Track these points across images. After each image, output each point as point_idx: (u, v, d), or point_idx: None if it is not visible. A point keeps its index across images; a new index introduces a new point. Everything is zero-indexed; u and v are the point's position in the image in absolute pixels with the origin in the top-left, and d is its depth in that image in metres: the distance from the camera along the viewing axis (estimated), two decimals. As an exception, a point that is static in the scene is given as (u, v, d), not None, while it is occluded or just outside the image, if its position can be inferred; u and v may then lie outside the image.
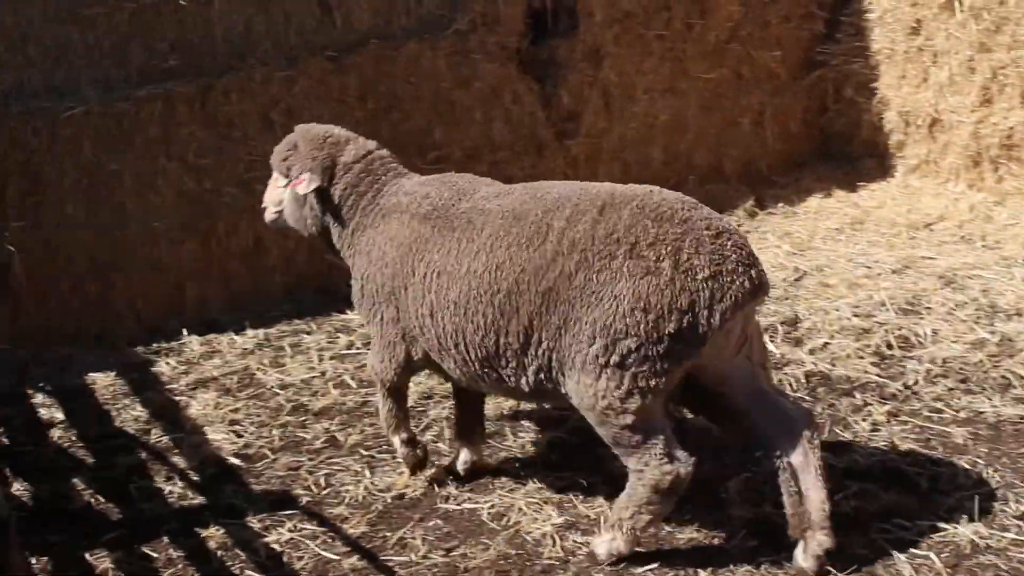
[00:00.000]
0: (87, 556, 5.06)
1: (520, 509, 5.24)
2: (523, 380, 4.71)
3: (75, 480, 5.77)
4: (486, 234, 4.69)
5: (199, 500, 5.52)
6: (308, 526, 5.21)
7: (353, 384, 6.66)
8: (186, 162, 7.56)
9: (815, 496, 4.54)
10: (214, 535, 5.15)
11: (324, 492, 5.52)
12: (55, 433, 6.34)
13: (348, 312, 7.67)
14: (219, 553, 5.03)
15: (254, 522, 5.26)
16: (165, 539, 5.16)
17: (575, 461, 5.62)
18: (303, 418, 6.31)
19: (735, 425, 4.81)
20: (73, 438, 6.26)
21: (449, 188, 5.04)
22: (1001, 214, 8.64)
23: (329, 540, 5.09)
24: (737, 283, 4.34)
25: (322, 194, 5.28)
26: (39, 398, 6.78)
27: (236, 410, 6.45)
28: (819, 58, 9.89)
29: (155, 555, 5.05)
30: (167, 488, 5.65)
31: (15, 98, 7.15)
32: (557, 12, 8.65)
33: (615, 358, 4.35)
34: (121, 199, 7.45)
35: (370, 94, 7.95)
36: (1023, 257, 7.80)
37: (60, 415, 6.53)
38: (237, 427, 6.26)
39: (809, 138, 10.17)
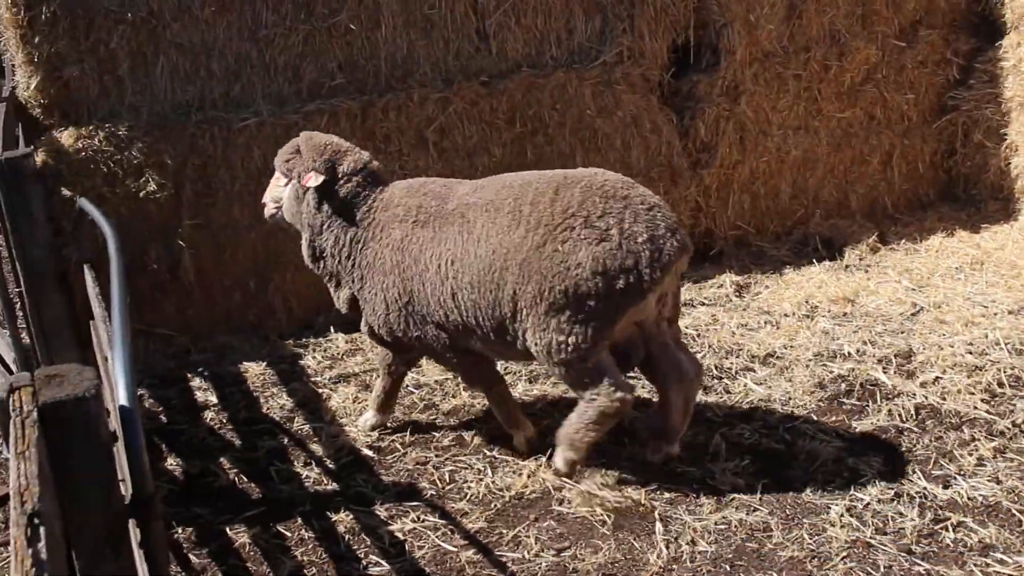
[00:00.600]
0: (227, 530, 5.12)
1: (631, 516, 5.15)
2: (519, 342, 5.19)
3: (222, 459, 5.86)
4: (479, 225, 5.14)
5: (332, 486, 5.55)
6: (430, 518, 5.20)
7: (483, 388, 6.62)
8: (345, 172, 7.59)
9: (677, 421, 5.48)
10: (343, 520, 5.18)
11: (447, 487, 5.51)
12: (208, 415, 6.47)
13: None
14: (346, 537, 5.05)
15: (381, 511, 5.27)
16: (299, 520, 5.21)
17: (681, 478, 5.50)
18: (434, 417, 6.30)
19: (645, 366, 5.48)
20: (224, 420, 6.37)
21: (432, 195, 5.43)
22: (1122, 257, 8.21)
23: (448, 533, 5.07)
24: (668, 244, 4.96)
25: (321, 195, 5.55)
26: (197, 382, 6.94)
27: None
28: (951, 103, 9.57)
29: (288, 534, 5.10)
30: (304, 473, 5.71)
31: (196, 109, 7.32)
32: (700, 48, 8.52)
33: (581, 315, 4.92)
34: (284, 203, 7.53)
35: (518, 118, 7.93)
36: None
37: (214, 399, 6.66)
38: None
39: (935, 179, 9.86)
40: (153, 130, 7.11)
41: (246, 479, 5.65)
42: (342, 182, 5.53)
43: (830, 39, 8.90)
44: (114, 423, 2.53)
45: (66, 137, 6.98)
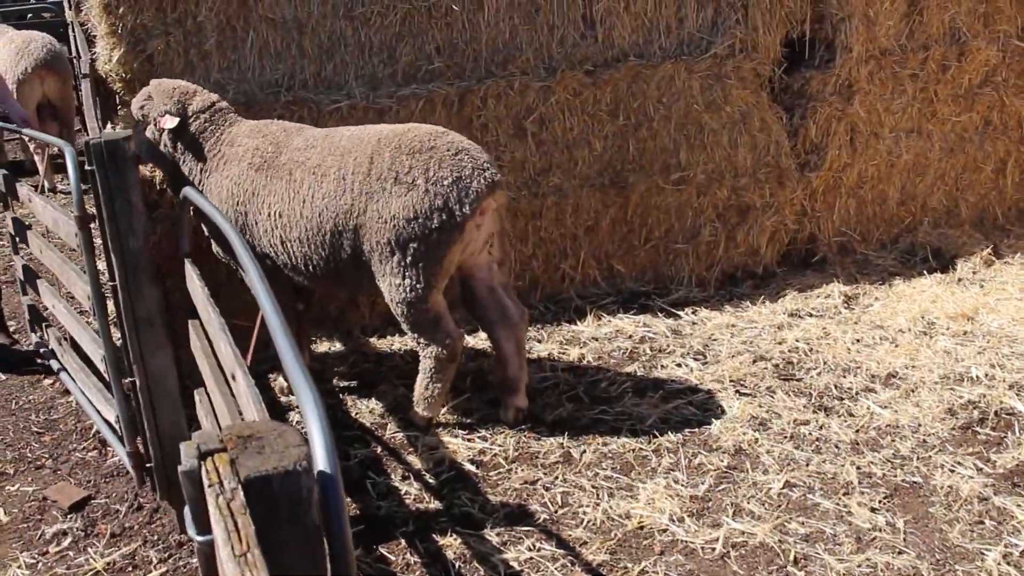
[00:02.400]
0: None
1: (763, 545, 4.70)
2: (360, 286, 5.76)
3: (315, 468, 5.43)
4: (305, 187, 5.58)
5: (435, 504, 5.12)
6: (546, 546, 4.76)
7: (586, 399, 6.19)
8: (438, 163, 7.19)
9: (513, 368, 5.90)
10: (451, 544, 4.75)
11: (561, 511, 5.07)
12: (293, 417, 6.04)
13: (578, 324, 7.25)
14: (457, 564, 4.62)
15: (492, 535, 4.84)
16: (402, 542, 4.78)
17: (814, 512, 5.04)
18: (537, 429, 5.87)
19: (475, 311, 5.91)
20: (311, 425, 5.94)
21: (270, 140, 5.82)
22: None
23: (569, 564, 4.63)
24: (475, 182, 5.40)
25: (176, 135, 5.98)
26: (276, 380, 6.52)
27: (470, 412, 6.05)
28: (1072, 108, 9.04)
29: (392, 557, 4.67)
30: (403, 488, 5.28)
31: (285, 88, 6.91)
32: (814, 43, 8.04)
33: (408, 258, 5.39)
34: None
35: (622, 110, 7.51)
36: None
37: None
38: (471, 430, 5.86)
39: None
40: (239, 109, 6.69)
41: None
42: (192, 120, 5.95)
43: (950, 38, 8.40)
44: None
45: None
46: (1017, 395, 6.13)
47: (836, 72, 7.98)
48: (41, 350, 7.13)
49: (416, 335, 5.68)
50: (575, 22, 7.34)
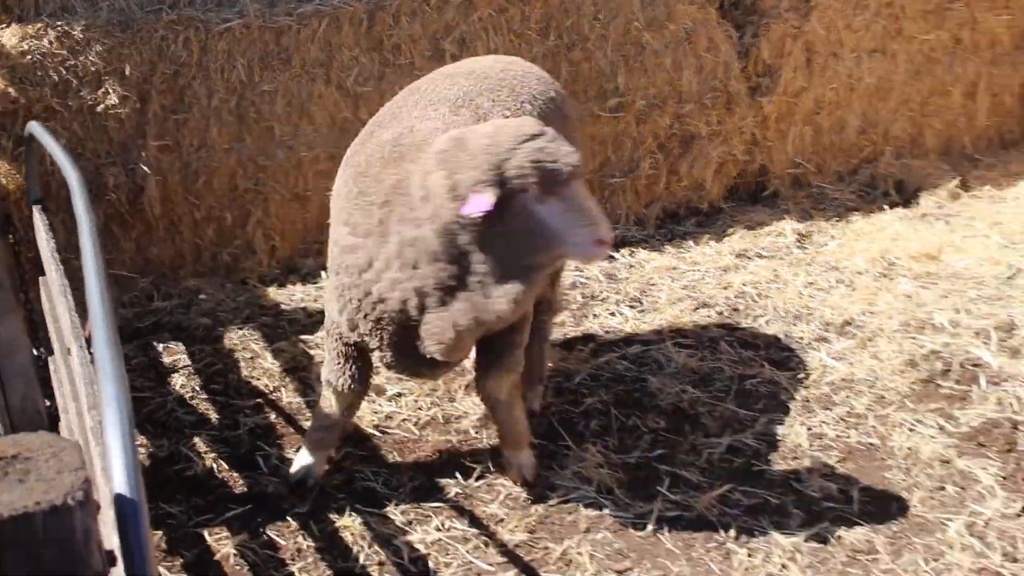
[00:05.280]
0: (207, 535, 4.45)
1: (702, 519, 4.57)
2: None
3: (196, 439, 5.17)
4: None
5: (334, 479, 4.87)
6: (458, 525, 4.55)
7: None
8: (344, 88, 6.96)
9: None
10: (350, 525, 4.51)
11: (475, 485, 4.84)
12: (177, 381, 5.76)
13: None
14: (355, 549, 4.39)
15: (396, 513, 4.61)
16: (294, 524, 4.54)
17: (760, 480, 4.88)
18: (451, 391, 5.63)
19: None
20: (196, 388, 5.68)
21: None
22: None
23: (482, 546, 4.43)
24: None
25: None
26: (162, 337, 6.23)
27: (377, 371, 5.79)
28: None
29: (282, 542, 4.43)
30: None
31: (168, 6, 6.59)
32: (769, -48, 7.83)
33: None
34: (270, 123, 6.88)
35: (553, 29, 7.30)
36: None
37: (184, 359, 5.95)
38: (378, 393, 5.61)
39: (1022, 116, 9.17)
40: (115, 30, 6.36)
41: (227, 466, 4.96)
42: None
43: (919, -54, 8.25)
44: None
45: (8, 36, 6.25)
46: (984, 344, 6.02)
47: (792, -16, 7.81)
48: None
49: None
50: (499, -72, 7.09)
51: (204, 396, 5.60)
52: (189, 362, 5.93)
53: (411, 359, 4.32)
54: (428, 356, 4.22)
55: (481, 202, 3.67)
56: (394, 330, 4.21)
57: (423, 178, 3.87)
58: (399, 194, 4.00)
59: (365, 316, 4.22)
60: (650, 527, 4.55)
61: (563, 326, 6.25)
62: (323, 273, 6.83)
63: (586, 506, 4.69)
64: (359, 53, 6.88)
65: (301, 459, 4.84)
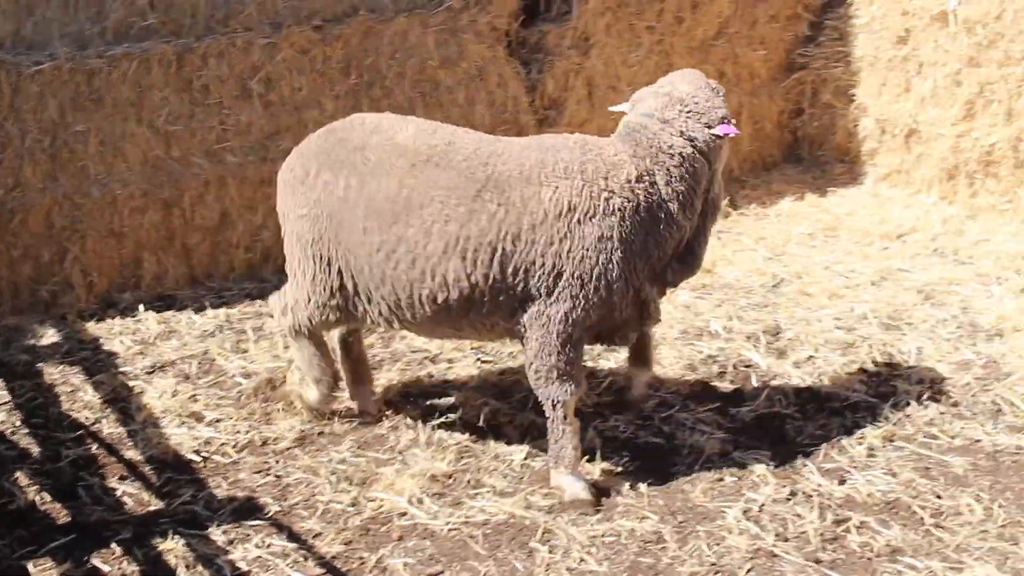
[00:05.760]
0: (30, 567, 4.27)
1: (507, 522, 4.63)
2: None
3: (18, 473, 4.96)
4: None
5: (155, 505, 4.74)
6: (277, 541, 4.48)
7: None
8: (156, 127, 6.83)
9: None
10: (173, 548, 4.39)
11: (293, 502, 4.78)
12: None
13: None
14: (179, 570, 4.27)
15: (217, 534, 4.53)
16: (117, 550, 4.39)
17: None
18: (269, 413, 5.54)
19: None
20: (16, 423, 5.44)
21: None
22: (973, 229, 8.07)
23: (301, 560, 4.37)
24: None
25: None
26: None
27: (195, 399, 5.68)
28: (800, 60, 9.34)
29: (106, 568, 4.29)
30: (120, 488, 4.88)
31: (-22, 48, 6.31)
32: (551, -5, 7.98)
33: None
34: (84, 162, 6.69)
35: (353, 68, 7.29)
36: (998, 275, 7.23)
37: (4, 395, 5.70)
38: (197, 419, 5.50)
39: (781, 140, 9.61)
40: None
41: (49, 498, 4.77)
42: None
43: (684, -11, 8.51)
44: None
45: None
46: (754, 347, 6.23)
47: (573, 25, 8.02)
48: None
49: None
50: (300, -26, 7.04)
51: (25, 430, 5.37)
52: (9, 398, 5.68)
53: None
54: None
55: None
56: None
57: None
58: None
59: None
60: (461, 530, 4.57)
61: (372, 348, 6.22)
62: (141, 306, 6.67)
63: (399, 516, 4.68)
64: (169, 93, 6.74)
65: None
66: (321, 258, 4.88)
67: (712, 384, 5.87)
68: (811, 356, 6.16)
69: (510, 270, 4.62)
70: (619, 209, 4.69)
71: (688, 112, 4.86)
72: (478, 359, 6.11)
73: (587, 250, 4.63)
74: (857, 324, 6.55)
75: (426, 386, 5.82)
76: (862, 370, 6.00)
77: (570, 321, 4.68)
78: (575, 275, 4.64)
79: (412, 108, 7.41)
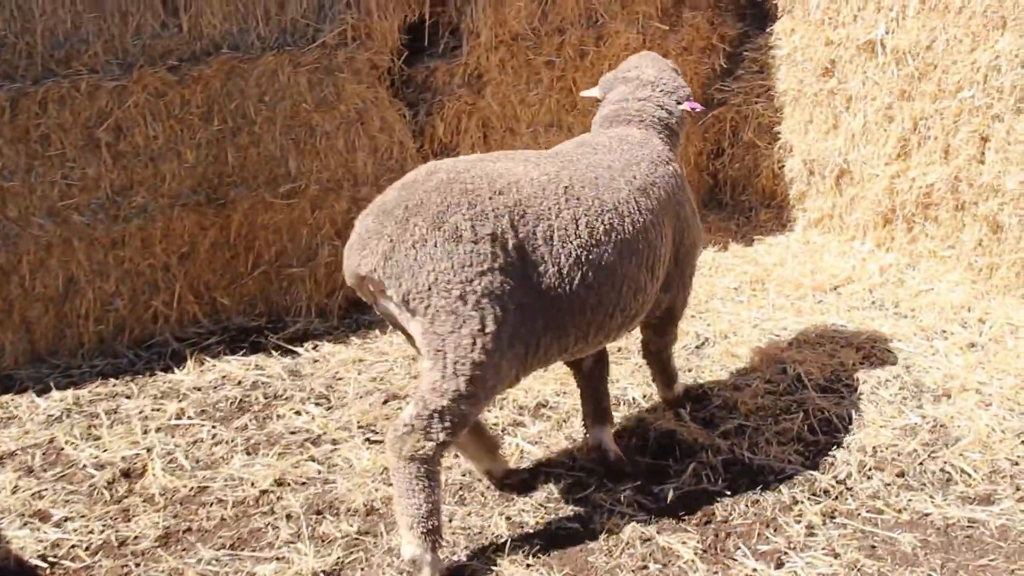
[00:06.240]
0: None
1: None
2: None
3: None
4: None
5: (-3, 620, 4.68)
6: (139, 662, 4.44)
7: (188, 466, 5.89)
8: (-13, 184, 6.77)
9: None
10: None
11: (157, 609, 4.75)
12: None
13: (177, 371, 6.92)
14: None
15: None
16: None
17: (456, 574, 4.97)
18: (127, 508, 5.50)
19: None
20: None
21: None
22: (914, 278, 8.33)
23: None
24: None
25: None
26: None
27: (41, 495, 5.61)
28: (718, 96, 9.61)
29: None
30: (-47, 606, 4.81)
31: None
32: (438, 29, 8.10)
33: None
34: (-96, 225, 6.61)
35: (216, 112, 7.31)
36: (943, 328, 7.48)
37: None
38: (43, 519, 5.43)
39: (700, 184, 9.85)
40: None
41: None
42: None
43: (586, 20, 8.75)
44: None
45: None
46: (677, 416, 6.33)
47: (463, 61, 8.12)
48: None
49: None
50: (153, 7, 7.08)
51: None
52: None
53: None
54: None
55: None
56: None
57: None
58: None
59: None
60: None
61: (246, 429, 6.21)
62: None
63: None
64: (2, 144, 6.70)
65: None
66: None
67: (633, 458, 5.94)
68: (741, 424, 6.29)
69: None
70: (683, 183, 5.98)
71: (661, 91, 6.07)
72: (367, 438, 6.13)
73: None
74: (791, 387, 6.71)
75: (309, 471, 5.82)
76: (797, 439, 6.15)
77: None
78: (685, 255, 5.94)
79: (284, 156, 7.47)
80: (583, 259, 5.06)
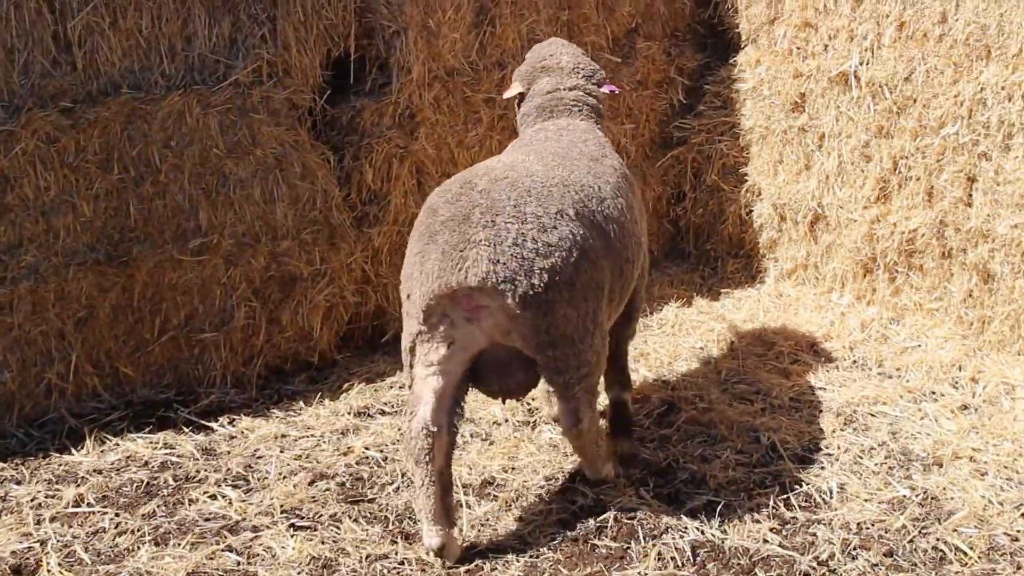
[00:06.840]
0: None
1: None
2: None
3: None
4: None
5: None
6: None
7: (88, 560, 5.85)
8: None
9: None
10: None
11: None
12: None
13: (74, 452, 6.88)
14: None
15: None
16: None
17: None
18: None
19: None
20: None
21: None
22: (899, 334, 8.45)
23: None
24: None
25: None
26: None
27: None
28: (677, 134, 9.72)
29: None
30: None
31: None
32: (364, 64, 8.18)
33: None
34: None
35: (116, 159, 7.33)
36: (932, 389, 7.58)
37: None
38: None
39: (660, 233, 9.96)
40: None
41: None
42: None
43: (528, 53, 8.80)
44: None
45: None
46: (639, 495, 6.36)
47: (394, 99, 8.18)
48: None
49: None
50: (43, 44, 7.08)
51: None
52: None
53: None
54: None
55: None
56: None
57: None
58: None
59: None
60: None
61: (154, 516, 6.19)
62: None
63: None
64: None
65: None
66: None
67: (590, 542, 5.95)
68: (710, 501, 6.30)
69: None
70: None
71: (584, 77, 6.87)
72: (292, 524, 6.12)
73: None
74: (765, 458, 6.77)
75: (226, 563, 5.80)
76: (774, 516, 6.18)
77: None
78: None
79: (194, 208, 7.49)
80: (626, 230, 6.08)
